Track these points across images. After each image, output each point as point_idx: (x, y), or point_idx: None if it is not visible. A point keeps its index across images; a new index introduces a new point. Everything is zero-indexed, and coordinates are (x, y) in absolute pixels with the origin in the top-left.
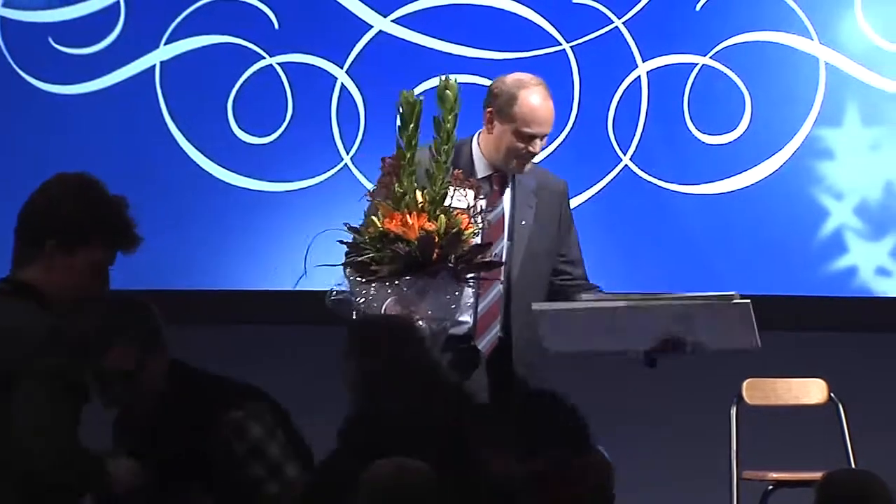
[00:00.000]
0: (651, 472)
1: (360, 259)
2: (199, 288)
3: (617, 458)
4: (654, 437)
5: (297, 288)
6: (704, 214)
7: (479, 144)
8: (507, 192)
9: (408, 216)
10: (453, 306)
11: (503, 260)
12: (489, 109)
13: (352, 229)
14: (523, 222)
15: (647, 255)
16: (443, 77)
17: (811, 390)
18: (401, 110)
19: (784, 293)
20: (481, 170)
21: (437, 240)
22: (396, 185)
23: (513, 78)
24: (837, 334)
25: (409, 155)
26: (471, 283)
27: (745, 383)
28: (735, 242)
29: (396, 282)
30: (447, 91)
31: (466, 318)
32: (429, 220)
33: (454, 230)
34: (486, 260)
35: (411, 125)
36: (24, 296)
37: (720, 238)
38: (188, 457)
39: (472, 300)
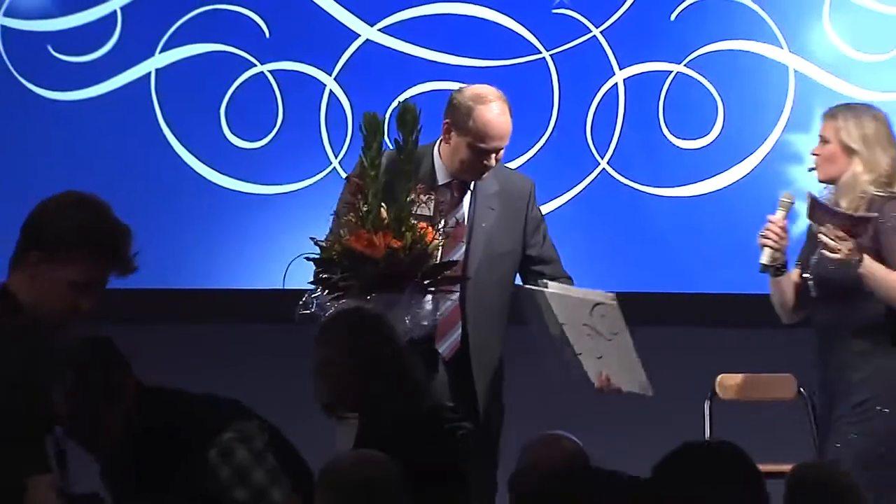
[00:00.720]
0: (625, 466)
1: (327, 278)
2: (192, 287)
3: (591, 454)
4: (629, 433)
5: (289, 287)
6: (679, 216)
7: (439, 153)
8: (468, 196)
9: (374, 236)
10: (420, 319)
11: (461, 264)
12: (447, 121)
13: (318, 244)
14: (483, 225)
15: (623, 255)
16: (401, 101)
17: (781, 385)
18: (364, 132)
19: (756, 292)
20: (441, 177)
21: (403, 256)
22: (361, 202)
23: (472, 91)
24: (806, 331)
25: (372, 174)
26: (445, 300)
27: (717, 379)
28: (708, 243)
29: (365, 298)
30: (406, 114)
31: (426, 322)
32: (394, 238)
33: (419, 246)
34: (452, 275)
35: (374, 145)
36: None
37: (694, 239)
38: (167, 480)
39: (431, 305)
